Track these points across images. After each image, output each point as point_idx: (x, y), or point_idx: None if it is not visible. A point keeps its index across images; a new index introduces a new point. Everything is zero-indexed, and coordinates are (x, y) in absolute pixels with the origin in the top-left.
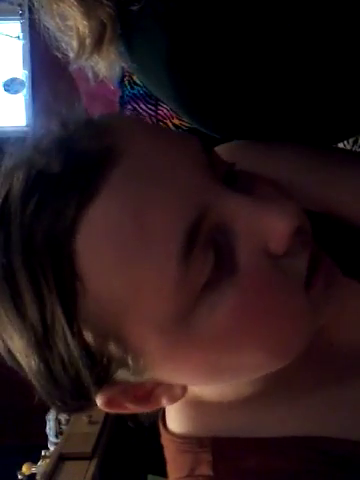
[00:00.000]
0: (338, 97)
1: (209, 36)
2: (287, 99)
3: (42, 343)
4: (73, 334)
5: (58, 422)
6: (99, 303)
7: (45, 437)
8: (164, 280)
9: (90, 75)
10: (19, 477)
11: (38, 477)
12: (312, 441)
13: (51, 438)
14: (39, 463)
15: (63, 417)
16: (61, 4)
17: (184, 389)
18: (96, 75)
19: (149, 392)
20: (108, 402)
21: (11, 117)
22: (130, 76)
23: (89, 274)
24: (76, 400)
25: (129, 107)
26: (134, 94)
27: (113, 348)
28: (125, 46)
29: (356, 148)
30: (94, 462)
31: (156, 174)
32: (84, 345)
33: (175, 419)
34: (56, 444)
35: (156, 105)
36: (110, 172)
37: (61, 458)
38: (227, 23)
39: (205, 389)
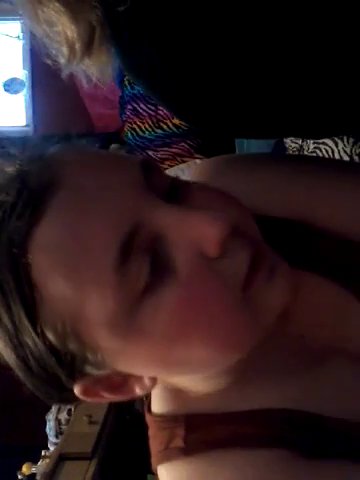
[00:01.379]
0: (337, 91)
1: (197, 36)
2: (282, 95)
3: (16, 343)
4: (37, 334)
5: (58, 422)
6: (54, 307)
7: (45, 437)
8: (104, 286)
9: (83, 79)
10: (19, 477)
11: (38, 477)
12: (279, 412)
13: (51, 438)
14: (39, 463)
15: (63, 417)
16: (46, 10)
17: (154, 380)
18: (89, 78)
19: (123, 383)
20: (84, 392)
21: (11, 117)
22: None
23: (43, 284)
24: (57, 391)
25: (129, 107)
26: (134, 94)
27: (73, 346)
28: (115, 47)
29: (356, 149)
30: (94, 462)
31: (90, 199)
32: (49, 344)
33: (156, 402)
34: (56, 444)
35: (156, 105)
36: (50, 202)
37: (61, 458)
38: (216, 22)
39: (183, 382)
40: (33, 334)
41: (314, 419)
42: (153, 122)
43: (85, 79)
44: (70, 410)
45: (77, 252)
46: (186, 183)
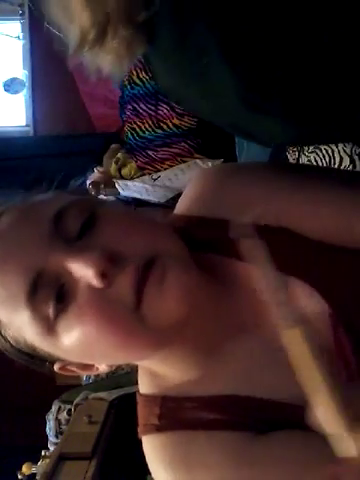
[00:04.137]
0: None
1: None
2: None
3: None
4: (9, 343)
5: (58, 422)
6: (8, 328)
7: (45, 437)
8: (23, 314)
9: (91, 72)
10: (19, 477)
11: (38, 477)
12: (233, 398)
13: (51, 438)
14: (39, 463)
15: (63, 417)
16: None
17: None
18: (98, 71)
19: (87, 364)
20: (61, 370)
21: (11, 117)
22: (130, 76)
23: None
24: (39, 367)
25: (129, 107)
26: (134, 94)
27: (36, 350)
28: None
29: (356, 149)
30: (94, 462)
31: (6, 248)
32: (19, 349)
33: (141, 383)
34: (56, 444)
35: (156, 105)
36: None
37: (61, 458)
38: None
39: (158, 369)
40: (6, 341)
41: (258, 402)
42: (153, 122)
43: (93, 74)
44: (70, 410)
45: (1, 290)
46: (105, 213)
